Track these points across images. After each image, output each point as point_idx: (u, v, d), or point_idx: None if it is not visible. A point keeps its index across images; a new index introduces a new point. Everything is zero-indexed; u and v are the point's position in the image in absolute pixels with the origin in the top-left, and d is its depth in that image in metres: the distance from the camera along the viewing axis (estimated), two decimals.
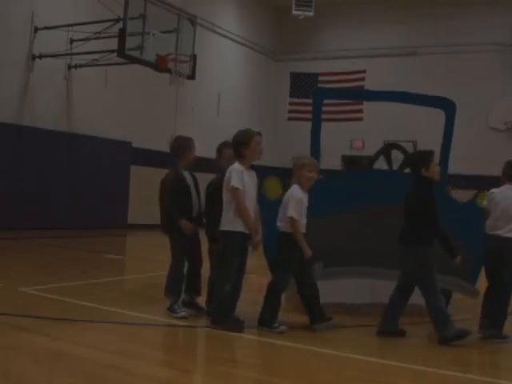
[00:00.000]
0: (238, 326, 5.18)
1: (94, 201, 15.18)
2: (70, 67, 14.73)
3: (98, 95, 15.44)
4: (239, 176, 5.17)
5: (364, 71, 19.48)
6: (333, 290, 6.02)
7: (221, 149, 5.80)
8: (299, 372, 4.22)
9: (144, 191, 16.12)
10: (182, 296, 5.80)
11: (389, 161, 15.17)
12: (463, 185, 7.65)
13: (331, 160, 17.31)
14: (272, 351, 4.89)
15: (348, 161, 20.70)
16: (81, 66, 14.54)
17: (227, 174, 5.24)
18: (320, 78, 20.14)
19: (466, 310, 6.40)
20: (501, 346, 5.28)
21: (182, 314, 5.57)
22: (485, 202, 6.05)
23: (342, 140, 19.87)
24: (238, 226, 5.18)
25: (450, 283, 6.24)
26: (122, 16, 12.75)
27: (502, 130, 19.49)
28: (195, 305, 5.83)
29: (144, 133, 16.55)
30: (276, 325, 5.23)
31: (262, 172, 7.23)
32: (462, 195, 6.70)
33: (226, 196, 5.26)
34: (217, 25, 19.75)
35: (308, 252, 5.31)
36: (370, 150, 17.70)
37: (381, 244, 6.14)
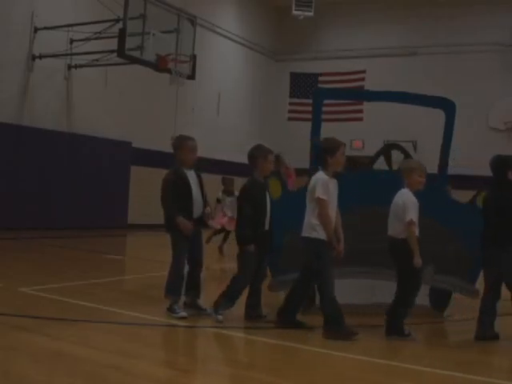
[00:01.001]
0: (350, 333, 5.18)
1: (94, 201, 15.19)
2: (69, 67, 14.74)
3: (98, 95, 15.45)
4: (324, 186, 5.24)
5: (364, 71, 19.49)
6: None
7: (266, 155, 5.72)
8: (299, 372, 4.22)
9: (144, 191, 16.13)
10: (184, 297, 5.81)
11: (389, 161, 15.14)
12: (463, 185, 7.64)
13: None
14: (272, 351, 4.89)
15: (348, 161, 20.69)
16: (81, 66, 14.55)
17: (312, 183, 5.30)
18: (320, 78, 20.16)
19: (466, 310, 6.40)
20: (502, 347, 5.28)
21: (182, 314, 5.55)
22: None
23: (341, 140, 19.83)
24: (322, 234, 5.22)
25: (450, 283, 6.25)
26: (122, 16, 12.77)
27: (502, 130, 19.49)
28: (197, 306, 5.82)
29: (144, 133, 16.55)
30: (407, 332, 5.22)
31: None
32: (462, 195, 6.69)
33: (310, 204, 5.30)
34: (217, 25, 19.76)
35: (419, 260, 5.17)
36: (369, 150, 17.70)
37: (381, 244, 6.13)
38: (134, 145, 16.35)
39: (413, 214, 5.20)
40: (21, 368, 3.91)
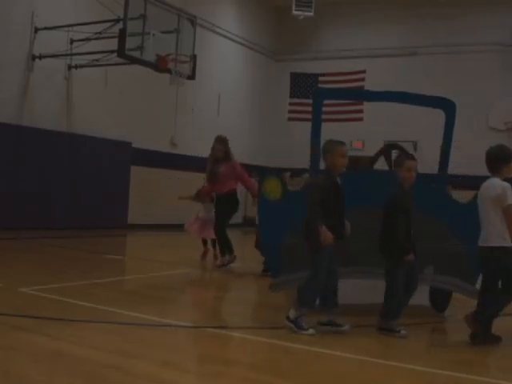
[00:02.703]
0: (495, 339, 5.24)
1: (94, 201, 15.19)
2: (70, 67, 14.74)
3: (98, 95, 15.45)
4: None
5: (364, 71, 19.46)
6: None
7: (402, 161, 5.61)
8: (299, 372, 4.22)
9: (144, 191, 16.14)
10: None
11: (389, 161, 15.15)
12: (463, 185, 7.63)
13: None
14: (272, 351, 4.89)
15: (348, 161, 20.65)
16: (81, 66, 14.56)
17: (497, 191, 5.19)
18: (320, 78, 20.12)
19: (466, 309, 6.39)
20: (502, 347, 5.27)
21: (311, 331, 5.20)
22: None
23: (341, 140, 19.82)
24: (509, 242, 5.18)
25: (450, 283, 6.25)
26: (122, 16, 12.77)
27: (502, 130, 19.48)
28: (335, 323, 5.45)
29: (144, 133, 16.55)
30: None
31: (262, 172, 7.19)
32: (461, 195, 6.69)
33: (494, 211, 5.22)
34: (217, 25, 19.76)
35: None
36: (370, 151, 17.71)
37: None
38: (134, 145, 16.35)
39: None
40: (21, 368, 3.91)
